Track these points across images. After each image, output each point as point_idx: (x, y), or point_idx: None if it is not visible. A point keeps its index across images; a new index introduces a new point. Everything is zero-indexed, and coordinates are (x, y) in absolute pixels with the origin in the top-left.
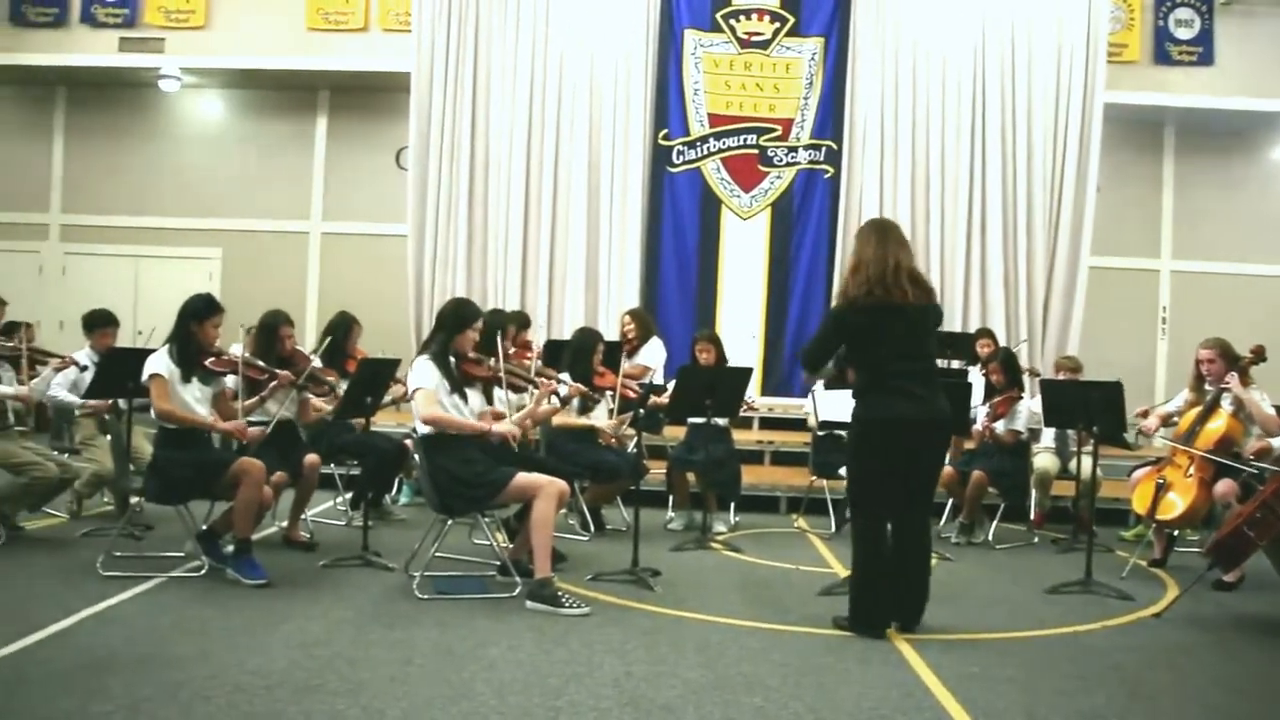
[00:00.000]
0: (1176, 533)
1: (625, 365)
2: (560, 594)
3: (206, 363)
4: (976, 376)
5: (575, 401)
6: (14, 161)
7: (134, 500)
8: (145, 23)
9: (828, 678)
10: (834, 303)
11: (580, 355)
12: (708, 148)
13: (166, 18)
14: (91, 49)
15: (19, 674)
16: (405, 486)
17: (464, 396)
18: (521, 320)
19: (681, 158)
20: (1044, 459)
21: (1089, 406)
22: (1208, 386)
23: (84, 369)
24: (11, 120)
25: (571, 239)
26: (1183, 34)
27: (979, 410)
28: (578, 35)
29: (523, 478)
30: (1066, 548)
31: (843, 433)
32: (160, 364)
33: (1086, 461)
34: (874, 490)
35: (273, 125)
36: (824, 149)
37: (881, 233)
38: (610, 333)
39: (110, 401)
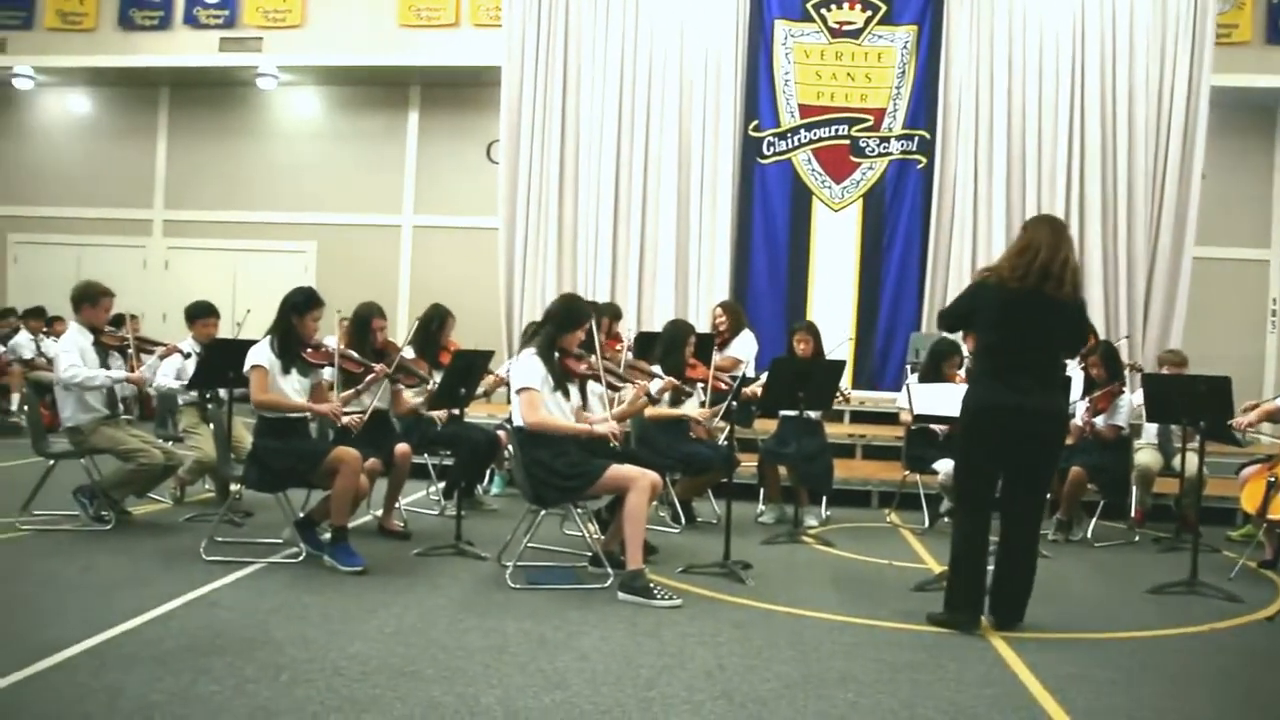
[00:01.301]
0: None
1: (716, 358)
2: (652, 586)
3: (305, 354)
4: (1075, 370)
5: (667, 395)
6: (120, 160)
7: (234, 487)
8: (244, 23)
9: (922, 674)
10: (976, 275)
11: (672, 347)
12: (798, 139)
13: (265, 17)
14: (193, 50)
15: (129, 654)
16: (497, 477)
17: (566, 394)
18: (613, 312)
19: (772, 149)
20: (1146, 455)
21: (1194, 401)
22: None
23: (188, 356)
24: (119, 120)
25: (662, 231)
26: None
27: (1078, 405)
28: (667, 27)
29: (616, 470)
30: (1169, 547)
31: (936, 427)
32: (262, 355)
33: (1191, 458)
34: (978, 480)
35: (366, 120)
36: (917, 139)
37: (1056, 225)
38: (701, 325)
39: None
